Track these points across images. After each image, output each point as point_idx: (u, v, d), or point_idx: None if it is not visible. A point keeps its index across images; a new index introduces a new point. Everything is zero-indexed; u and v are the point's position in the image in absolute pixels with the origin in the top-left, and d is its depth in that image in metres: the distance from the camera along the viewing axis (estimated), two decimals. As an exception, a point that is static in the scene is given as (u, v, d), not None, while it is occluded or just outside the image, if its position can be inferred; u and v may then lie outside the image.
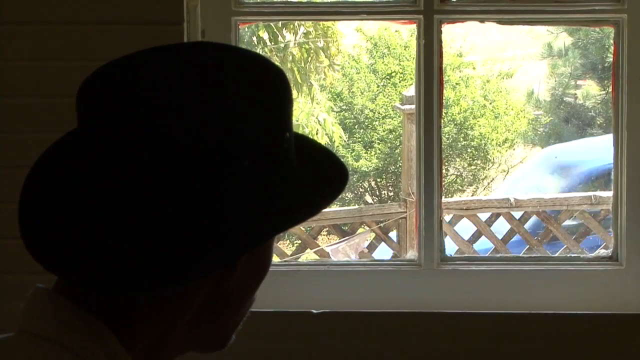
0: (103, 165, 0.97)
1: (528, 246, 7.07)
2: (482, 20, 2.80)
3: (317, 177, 1.07)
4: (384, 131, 11.69)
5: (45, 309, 1.00)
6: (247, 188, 0.98)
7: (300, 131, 8.27)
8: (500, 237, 7.05)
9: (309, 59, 7.81)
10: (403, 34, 12.12)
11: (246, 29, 7.34)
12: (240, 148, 0.97)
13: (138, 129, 0.95)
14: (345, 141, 11.23)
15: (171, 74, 0.98)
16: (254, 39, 7.93)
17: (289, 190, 1.01)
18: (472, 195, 11.65)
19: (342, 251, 7.57)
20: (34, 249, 1.00)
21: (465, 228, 7.04)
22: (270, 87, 1.02)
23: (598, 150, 8.76)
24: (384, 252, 7.30)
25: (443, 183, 4.62)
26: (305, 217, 1.01)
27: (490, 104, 12.02)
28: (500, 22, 2.77)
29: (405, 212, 7.35)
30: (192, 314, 1.02)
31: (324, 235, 9.45)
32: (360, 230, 8.02)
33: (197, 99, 0.97)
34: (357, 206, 10.24)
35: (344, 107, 11.99)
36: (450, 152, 11.68)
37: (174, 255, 0.96)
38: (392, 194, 11.76)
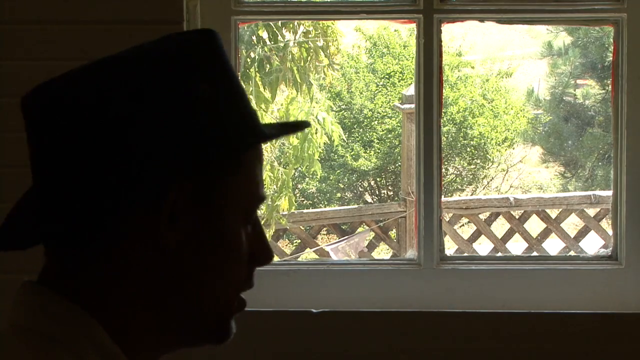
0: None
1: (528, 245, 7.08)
2: (481, 20, 2.80)
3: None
4: (383, 130, 11.68)
5: (30, 302, 1.03)
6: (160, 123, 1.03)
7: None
8: (500, 236, 7.05)
9: (309, 58, 7.80)
10: (402, 34, 12.10)
11: (245, 28, 7.33)
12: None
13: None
14: (344, 140, 11.22)
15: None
16: (254, 38, 7.92)
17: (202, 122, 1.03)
18: (471, 195, 11.65)
19: (341, 250, 7.57)
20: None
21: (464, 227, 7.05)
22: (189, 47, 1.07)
23: None
24: (383, 252, 7.31)
25: (442, 182, 4.62)
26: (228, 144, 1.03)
27: (490, 103, 12.01)
28: (500, 21, 2.77)
29: (405, 211, 7.35)
30: (147, 290, 1.02)
31: (323, 234, 9.45)
32: (359, 229, 8.02)
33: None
34: (356, 205, 10.24)
35: (343, 107, 11.98)
36: (450, 152, 11.68)
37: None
38: (391, 193, 11.76)
